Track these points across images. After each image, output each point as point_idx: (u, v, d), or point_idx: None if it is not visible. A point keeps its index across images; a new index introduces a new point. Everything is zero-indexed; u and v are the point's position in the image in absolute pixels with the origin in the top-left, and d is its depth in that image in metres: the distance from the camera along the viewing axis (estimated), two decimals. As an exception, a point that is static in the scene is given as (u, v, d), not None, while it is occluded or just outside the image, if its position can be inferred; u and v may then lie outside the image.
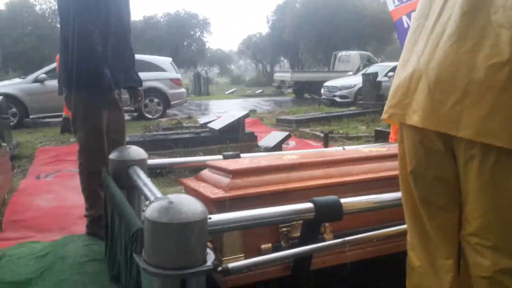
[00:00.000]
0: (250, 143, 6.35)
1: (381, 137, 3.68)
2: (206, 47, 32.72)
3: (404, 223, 1.37)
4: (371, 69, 13.19)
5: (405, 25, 8.63)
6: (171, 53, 20.16)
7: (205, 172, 1.88)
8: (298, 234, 1.57)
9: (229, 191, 1.55)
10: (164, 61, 10.79)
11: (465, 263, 1.13)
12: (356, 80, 13.19)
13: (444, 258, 1.14)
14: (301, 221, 1.52)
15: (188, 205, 1.17)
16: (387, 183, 1.67)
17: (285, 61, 38.01)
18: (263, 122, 9.16)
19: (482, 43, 0.97)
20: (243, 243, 1.52)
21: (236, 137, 6.46)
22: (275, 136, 6.01)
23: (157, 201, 1.19)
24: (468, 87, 0.98)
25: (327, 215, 1.38)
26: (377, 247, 1.68)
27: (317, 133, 7.57)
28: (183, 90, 11.15)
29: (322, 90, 13.84)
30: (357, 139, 6.85)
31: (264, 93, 21.10)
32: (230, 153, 2.23)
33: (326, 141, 4.81)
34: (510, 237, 1.04)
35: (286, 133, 5.94)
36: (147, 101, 9.82)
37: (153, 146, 5.69)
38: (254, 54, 36.80)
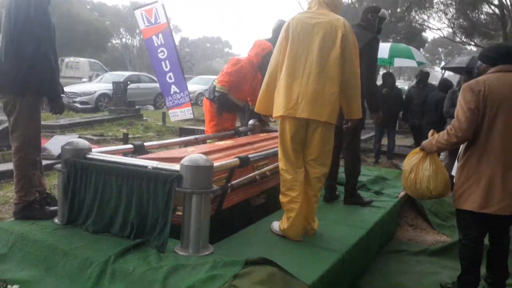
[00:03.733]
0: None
1: (184, 132, 5.07)
2: None
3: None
4: (112, 77, 13.98)
5: (155, 44, 10.22)
6: None
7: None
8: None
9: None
10: None
11: (307, 173, 2.76)
12: (96, 87, 13.74)
13: (301, 172, 2.74)
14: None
15: (205, 157, 2.31)
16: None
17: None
18: (15, 129, 8.62)
19: (326, 85, 2.56)
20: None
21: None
22: (62, 140, 6.28)
23: (190, 156, 2.27)
24: (323, 101, 2.57)
25: (244, 163, 2.74)
26: (256, 188, 3.16)
27: (89, 136, 8.07)
28: None
29: (60, 96, 13.55)
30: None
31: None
32: (138, 142, 3.14)
33: (126, 139, 5.74)
34: (327, 158, 2.75)
35: (75, 136, 6.33)
36: None
37: None
38: None
